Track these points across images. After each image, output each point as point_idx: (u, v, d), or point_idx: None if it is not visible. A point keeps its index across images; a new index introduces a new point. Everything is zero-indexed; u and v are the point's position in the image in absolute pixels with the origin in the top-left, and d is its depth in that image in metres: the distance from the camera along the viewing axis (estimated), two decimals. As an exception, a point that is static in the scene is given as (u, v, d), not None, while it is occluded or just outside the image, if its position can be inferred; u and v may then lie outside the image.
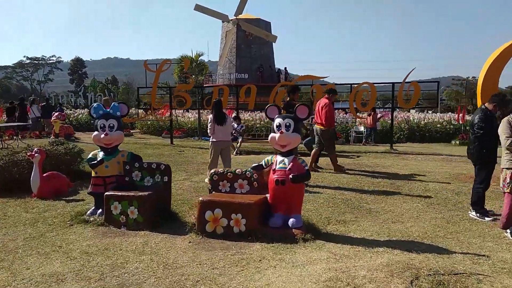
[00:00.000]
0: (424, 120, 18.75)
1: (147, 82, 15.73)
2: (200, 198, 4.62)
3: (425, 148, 14.60)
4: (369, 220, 5.20)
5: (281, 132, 4.51)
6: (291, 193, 4.53)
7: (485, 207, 5.33)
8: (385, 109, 18.43)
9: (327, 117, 8.37)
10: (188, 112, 21.88)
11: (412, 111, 22.28)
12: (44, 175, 6.69)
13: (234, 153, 12.45)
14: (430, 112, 22.63)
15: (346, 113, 20.31)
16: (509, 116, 4.62)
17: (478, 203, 5.28)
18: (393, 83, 13.54)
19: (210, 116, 7.66)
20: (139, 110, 18.19)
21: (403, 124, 18.37)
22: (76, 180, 7.63)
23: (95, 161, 5.20)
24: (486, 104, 5.34)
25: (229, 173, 4.97)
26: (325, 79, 14.82)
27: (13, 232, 4.78)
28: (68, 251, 4.12)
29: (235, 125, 13.20)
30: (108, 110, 5.37)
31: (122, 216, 4.89)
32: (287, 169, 4.50)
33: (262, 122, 18.43)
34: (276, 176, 4.52)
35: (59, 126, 14.98)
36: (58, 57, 78.72)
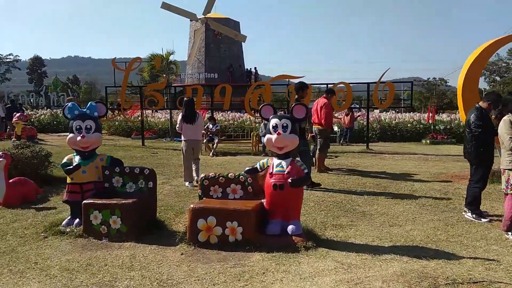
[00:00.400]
0: (395, 120, 19.02)
1: (115, 81, 15.06)
2: (192, 205, 4.25)
3: (399, 148, 14.74)
4: (366, 224, 5.01)
5: (278, 134, 4.22)
6: (289, 198, 4.25)
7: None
8: (362, 109, 18.52)
9: (327, 117, 8.25)
10: (157, 112, 21.25)
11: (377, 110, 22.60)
12: (10, 181, 6.11)
13: (211, 154, 12.08)
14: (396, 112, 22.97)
15: None
16: (509, 115, 4.54)
17: (473, 204, 5.19)
18: (368, 83, 13.57)
19: (180, 115, 7.70)
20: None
21: (375, 124, 18.54)
22: (44, 185, 7.06)
23: (71, 166, 4.72)
24: (481, 103, 5.27)
25: (221, 178, 4.62)
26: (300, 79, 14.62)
27: (-23, 248, 4.24)
28: (46, 268, 3.66)
29: (210, 126, 12.83)
30: (85, 110, 4.90)
31: (103, 226, 4.45)
32: (285, 172, 4.21)
33: (236, 122, 18.13)
34: (274, 180, 4.23)
35: (21, 127, 14.04)
36: (16, 56, 74.94)
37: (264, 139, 4.37)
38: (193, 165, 7.67)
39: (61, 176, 8.17)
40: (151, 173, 4.83)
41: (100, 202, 4.48)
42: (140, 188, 4.81)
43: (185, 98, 8.43)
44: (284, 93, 14.04)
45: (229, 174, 4.62)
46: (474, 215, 5.17)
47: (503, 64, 59.17)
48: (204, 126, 12.31)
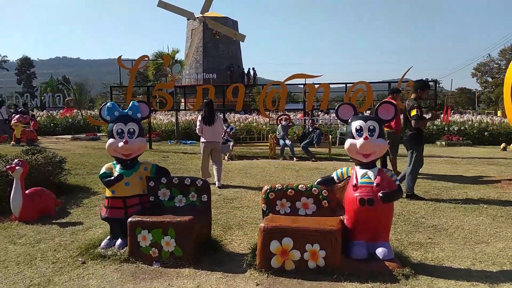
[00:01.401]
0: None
1: (121, 80, 14.26)
2: (263, 224, 3.57)
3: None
4: (448, 242, 4.37)
5: (366, 138, 3.57)
6: (379, 216, 3.59)
7: None
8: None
9: (396, 118, 7.55)
10: (157, 113, 20.46)
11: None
12: (27, 192, 5.37)
13: (226, 158, 11.38)
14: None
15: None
16: None
17: None
18: (389, 82, 12.99)
19: (200, 116, 7.70)
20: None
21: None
22: (60, 196, 6.30)
23: (112, 177, 4.00)
24: None
25: (290, 190, 3.94)
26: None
27: (4, 277, 3.51)
28: (98, 308, 2.95)
29: (224, 128, 12.13)
30: (126, 111, 4.19)
31: (154, 248, 3.75)
32: (374, 184, 3.56)
33: (242, 124, 17.44)
34: (360, 194, 3.56)
35: (21, 130, 13.17)
36: (4, 56, 73.20)
37: (346, 145, 3.71)
38: (214, 167, 7.64)
39: (77, 184, 7.45)
40: (205, 184, 4.14)
41: (150, 220, 3.77)
42: (192, 202, 4.13)
43: (204, 100, 8.09)
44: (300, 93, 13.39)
45: (300, 186, 3.95)
46: None
47: (495, 65, 59.46)
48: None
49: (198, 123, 7.63)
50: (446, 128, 17.58)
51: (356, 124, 3.68)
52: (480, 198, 6.41)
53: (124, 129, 4.05)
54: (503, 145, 14.35)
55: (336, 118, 3.98)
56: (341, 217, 3.78)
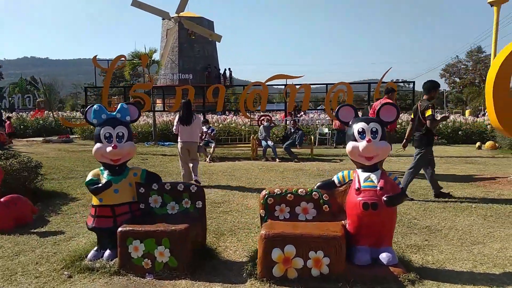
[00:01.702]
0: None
1: (96, 81, 13.77)
2: (264, 232, 3.41)
3: (395, 150, 14.33)
4: (445, 244, 4.34)
5: (369, 141, 3.46)
6: (383, 220, 3.49)
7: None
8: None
9: None
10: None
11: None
12: (2, 199, 5.03)
13: (207, 160, 11.16)
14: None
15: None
16: None
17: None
18: (369, 83, 13.09)
19: (177, 116, 7.69)
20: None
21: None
22: (36, 202, 5.96)
23: (100, 185, 3.75)
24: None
25: (289, 195, 3.79)
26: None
27: (-17, 296, 3.21)
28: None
29: (205, 129, 11.90)
30: (114, 113, 3.94)
31: (147, 259, 3.53)
32: (378, 188, 3.46)
33: (220, 125, 17.22)
34: (364, 198, 3.45)
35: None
36: (-33, 56, 70.01)
37: (348, 147, 3.59)
38: (190, 164, 7.56)
39: (54, 189, 7.09)
40: (199, 190, 3.94)
41: (142, 229, 3.55)
42: (186, 209, 3.92)
43: (182, 100, 8.12)
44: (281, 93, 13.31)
45: (299, 190, 3.80)
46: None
47: (462, 66, 61.35)
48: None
49: (175, 123, 7.64)
50: (422, 128, 17.88)
51: (358, 126, 3.57)
52: (467, 197, 6.46)
53: (112, 133, 3.80)
54: (478, 143, 14.71)
55: (336, 119, 3.86)
56: (342, 222, 3.66)
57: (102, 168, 3.90)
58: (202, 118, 14.04)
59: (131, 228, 3.57)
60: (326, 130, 16.86)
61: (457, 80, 61.91)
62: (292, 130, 11.93)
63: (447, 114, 7.18)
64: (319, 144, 16.35)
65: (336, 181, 3.72)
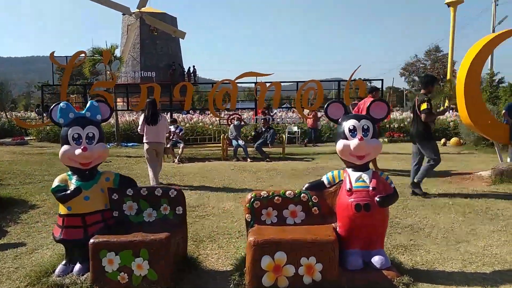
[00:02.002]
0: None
1: (52, 79, 12.98)
2: (252, 238, 3.17)
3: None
4: (430, 243, 4.28)
5: (361, 139, 3.30)
6: (375, 222, 3.35)
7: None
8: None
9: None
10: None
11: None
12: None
13: (176, 161, 10.77)
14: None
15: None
16: None
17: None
18: (339, 81, 13.11)
19: (142, 116, 7.46)
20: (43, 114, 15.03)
21: (332, 123, 18.28)
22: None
23: (68, 191, 3.38)
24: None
25: (276, 197, 3.57)
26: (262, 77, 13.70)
27: None
28: None
29: (172, 128, 11.48)
30: (83, 112, 3.58)
31: (123, 273, 3.20)
32: (370, 188, 3.31)
33: (187, 125, 16.78)
34: (356, 199, 3.29)
35: None
36: None
37: (339, 146, 3.41)
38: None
39: (11, 196, 6.51)
40: (179, 194, 3.64)
41: (117, 240, 3.22)
42: (164, 216, 3.62)
43: (147, 99, 7.74)
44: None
45: (287, 192, 3.59)
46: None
47: (421, 65, 63.58)
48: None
49: (140, 123, 7.38)
50: (387, 126, 18.21)
51: (349, 123, 3.41)
52: (442, 194, 6.51)
53: (81, 134, 3.44)
54: (443, 140, 15.11)
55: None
56: (333, 224, 3.49)
57: (70, 173, 3.52)
58: (168, 118, 13.61)
59: (104, 239, 3.23)
60: (295, 129, 16.80)
61: (416, 78, 64.04)
62: (263, 129, 11.73)
63: (446, 108, 7.28)
64: (288, 143, 16.27)
65: (326, 182, 3.55)
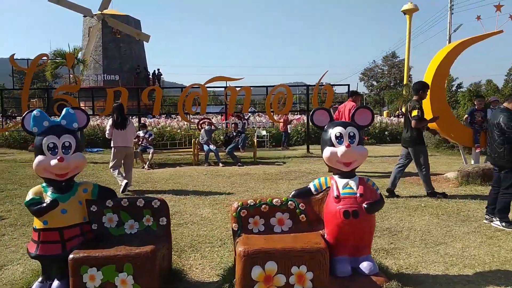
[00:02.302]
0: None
1: (14, 83, 12.32)
2: (241, 248, 3.09)
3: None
4: (410, 246, 4.36)
5: (348, 146, 3.31)
6: (363, 228, 3.35)
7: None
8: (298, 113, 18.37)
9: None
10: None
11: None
12: None
13: (146, 166, 10.51)
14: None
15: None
16: None
17: (504, 211, 4.91)
18: (307, 86, 13.25)
19: (110, 120, 7.49)
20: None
21: (299, 127, 18.49)
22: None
23: (44, 204, 3.17)
24: (505, 104, 5.01)
25: (263, 205, 3.52)
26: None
27: None
28: None
29: (141, 133, 11.21)
30: (58, 120, 3.38)
31: (105, 290, 3.04)
32: (358, 195, 3.32)
33: (154, 129, 16.45)
34: (344, 206, 3.29)
35: None
36: None
37: (326, 153, 3.40)
38: (123, 173, 7.36)
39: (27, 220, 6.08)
40: (162, 205, 3.51)
41: (99, 255, 3.05)
42: (147, 227, 3.47)
43: (114, 104, 8.01)
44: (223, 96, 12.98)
45: (274, 200, 3.54)
46: (504, 223, 4.88)
47: (379, 70, 65.63)
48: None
49: (108, 128, 7.40)
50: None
51: (335, 130, 3.41)
52: (413, 196, 6.68)
53: (57, 143, 3.24)
54: (406, 143, 15.55)
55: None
56: (320, 231, 3.47)
57: (44, 184, 3.32)
58: (135, 122, 13.28)
59: (85, 254, 3.06)
60: (263, 133, 16.83)
61: (375, 83, 65.94)
62: (234, 133, 11.66)
63: (437, 116, 7.46)
64: (257, 147, 16.27)
65: (313, 189, 3.52)
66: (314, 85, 12.83)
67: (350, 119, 3.57)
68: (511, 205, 4.99)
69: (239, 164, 10.82)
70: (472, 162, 8.42)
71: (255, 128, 17.26)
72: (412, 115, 6.26)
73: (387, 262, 3.89)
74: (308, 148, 13.61)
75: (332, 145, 3.40)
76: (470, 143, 8.16)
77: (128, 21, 34.28)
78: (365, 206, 3.28)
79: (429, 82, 7.92)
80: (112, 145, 7.30)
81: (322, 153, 3.50)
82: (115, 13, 33.70)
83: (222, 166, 10.66)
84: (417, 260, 3.93)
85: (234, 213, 3.50)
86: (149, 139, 11.15)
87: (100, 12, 31.90)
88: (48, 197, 3.22)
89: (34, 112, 3.29)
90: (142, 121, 13.54)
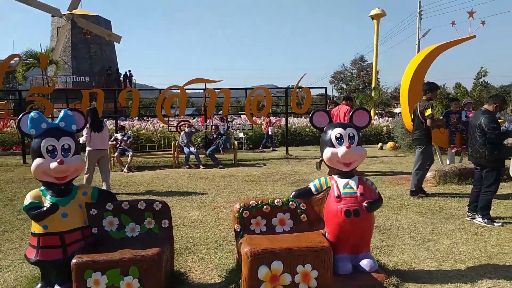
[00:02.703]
0: (294, 125, 19.41)
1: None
2: (247, 249, 3.11)
3: (309, 152, 14.90)
4: (401, 243, 4.50)
5: (348, 147, 3.40)
6: (364, 227, 3.45)
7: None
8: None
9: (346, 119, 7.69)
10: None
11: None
12: None
13: (125, 169, 10.32)
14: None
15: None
16: None
17: (486, 208, 5.13)
18: (286, 89, 13.37)
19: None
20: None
21: (276, 129, 18.61)
22: None
23: (44, 208, 3.09)
24: (486, 106, 5.25)
25: (265, 206, 3.55)
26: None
27: None
28: None
29: (119, 136, 11.00)
30: (56, 122, 3.30)
31: (110, 294, 2.99)
32: (358, 194, 3.41)
33: (130, 132, 16.15)
34: (345, 205, 3.38)
35: None
36: None
37: (326, 154, 3.47)
38: (102, 176, 7.38)
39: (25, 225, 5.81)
40: (164, 207, 3.49)
41: (104, 258, 3.00)
42: (149, 230, 3.44)
43: (87, 107, 7.96)
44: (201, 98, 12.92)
45: (276, 201, 3.59)
46: (486, 220, 5.11)
47: (348, 73, 66.97)
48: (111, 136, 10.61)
49: (85, 132, 7.19)
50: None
51: (335, 132, 3.49)
52: (394, 195, 6.86)
53: (56, 146, 3.17)
54: (380, 144, 15.97)
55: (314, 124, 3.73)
56: (321, 231, 3.54)
57: (43, 188, 3.23)
58: (109, 124, 13.00)
59: (89, 259, 3.00)
60: (241, 135, 16.85)
61: (344, 86, 67.19)
62: (214, 136, 11.63)
63: (442, 118, 7.73)
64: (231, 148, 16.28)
65: (313, 189, 3.59)
66: (293, 88, 12.98)
67: (348, 121, 3.66)
68: (492, 202, 5.23)
69: (220, 166, 10.80)
70: (448, 162, 8.74)
71: (232, 131, 17.32)
72: (426, 114, 6.43)
73: (382, 259, 4.00)
74: (287, 150, 13.72)
75: (333, 145, 3.48)
76: (446, 144, 8.47)
77: (99, 22, 33.45)
78: (366, 205, 3.38)
79: (406, 87, 8.20)
80: (88, 148, 7.23)
81: (321, 153, 3.57)
82: (85, 13, 32.85)
83: (203, 168, 10.60)
84: (410, 257, 4.06)
85: (237, 214, 3.52)
86: (128, 142, 10.94)
87: (69, 12, 30.90)
88: (47, 201, 3.14)
89: (32, 114, 3.20)
90: (122, 124, 13.28)
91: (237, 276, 3.38)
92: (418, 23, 24.78)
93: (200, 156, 11.13)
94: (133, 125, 18.16)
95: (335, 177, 3.56)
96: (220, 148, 11.31)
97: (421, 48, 25.33)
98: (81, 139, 7.29)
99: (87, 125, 7.17)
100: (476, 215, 5.24)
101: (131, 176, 9.65)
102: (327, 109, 11.27)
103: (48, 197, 3.17)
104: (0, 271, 3.85)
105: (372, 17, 37.95)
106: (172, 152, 11.28)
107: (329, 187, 3.54)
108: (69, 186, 3.29)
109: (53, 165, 3.10)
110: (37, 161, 3.13)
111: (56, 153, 3.16)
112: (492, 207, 5.31)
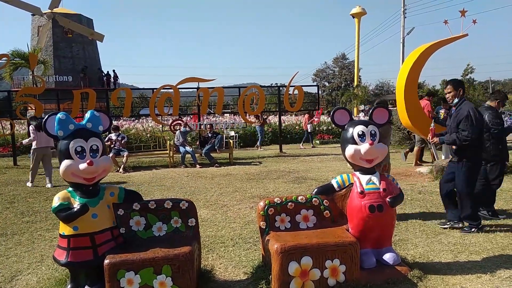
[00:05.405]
0: (284, 123, 19.51)
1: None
2: (277, 245, 3.16)
3: (301, 150, 15.02)
4: (414, 236, 4.62)
5: (371, 143, 3.48)
6: (387, 221, 3.54)
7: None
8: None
9: (431, 117, 8.14)
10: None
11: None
12: None
13: (121, 170, 10.25)
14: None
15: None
16: None
17: (491, 202, 5.30)
18: (279, 87, 13.44)
19: (31, 126, 8.49)
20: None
21: (266, 127, 18.67)
22: None
23: (74, 209, 3.07)
24: (489, 102, 5.42)
25: (289, 203, 3.60)
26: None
27: None
28: None
29: (113, 136, 10.90)
30: (84, 123, 3.28)
31: (144, 294, 3.00)
32: (381, 189, 3.50)
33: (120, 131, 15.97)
34: (369, 201, 3.46)
35: None
36: None
37: (349, 151, 3.54)
38: (46, 170, 8.50)
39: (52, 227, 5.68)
40: (190, 206, 3.50)
41: (136, 258, 3.00)
42: (176, 229, 3.45)
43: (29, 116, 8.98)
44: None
45: (299, 197, 3.64)
46: (490, 213, 5.28)
47: (330, 72, 67.56)
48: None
49: (31, 131, 8.37)
50: (316, 128, 19.06)
51: (358, 129, 3.56)
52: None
53: (85, 147, 3.14)
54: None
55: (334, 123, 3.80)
56: (344, 226, 3.62)
57: (71, 189, 3.21)
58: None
59: (122, 258, 3.00)
60: (232, 133, 16.85)
61: (326, 84, 67.72)
62: (210, 135, 11.62)
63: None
64: (226, 147, 16.27)
65: (336, 186, 3.66)
66: (285, 86, 13.06)
67: (369, 119, 3.74)
68: (496, 195, 5.40)
69: (216, 165, 10.81)
70: (443, 157, 8.97)
71: (223, 129, 17.30)
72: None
73: (399, 253, 4.09)
74: (280, 148, 13.80)
75: (355, 143, 3.55)
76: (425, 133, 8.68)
77: (80, 20, 32.95)
78: (389, 200, 3.47)
79: (402, 86, 8.36)
80: (34, 146, 8.27)
81: (343, 151, 3.64)
82: (66, 11, 32.28)
83: (199, 167, 10.60)
84: (425, 250, 4.18)
85: (262, 212, 3.57)
86: (123, 142, 10.84)
87: (50, 11, 30.33)
88: (76, 202, 3.13)
89: (59, 115, 3.16)
90: (116, 124, 13.14)
91: (264, 273, 3.43)
92: (402, 21, 25.21)
93: (195, 155, 11.11)
94: (122, 125, 17.99)
95: (357, 173, 3.63)
96: (216, 147, 11.31)
97: (406, 46, 25.78)
98: (24, 141, 8.79)
99: (32, 126, 8.38)
100: (480, 208, 5.40)
101: (128, 176, 9.58)
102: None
103: (77, 198, 3.15)
104: (20, 274, 3.80)
105: (353, 16, 38.42)
106: (167, 151, 11.23)
107: (352, 183, 3.62)
108: (96, 187, 3.28)
109: (83, 166, 3.08)
110: (66, 162, 3.11)
111: (85, 154, 3.14)
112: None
